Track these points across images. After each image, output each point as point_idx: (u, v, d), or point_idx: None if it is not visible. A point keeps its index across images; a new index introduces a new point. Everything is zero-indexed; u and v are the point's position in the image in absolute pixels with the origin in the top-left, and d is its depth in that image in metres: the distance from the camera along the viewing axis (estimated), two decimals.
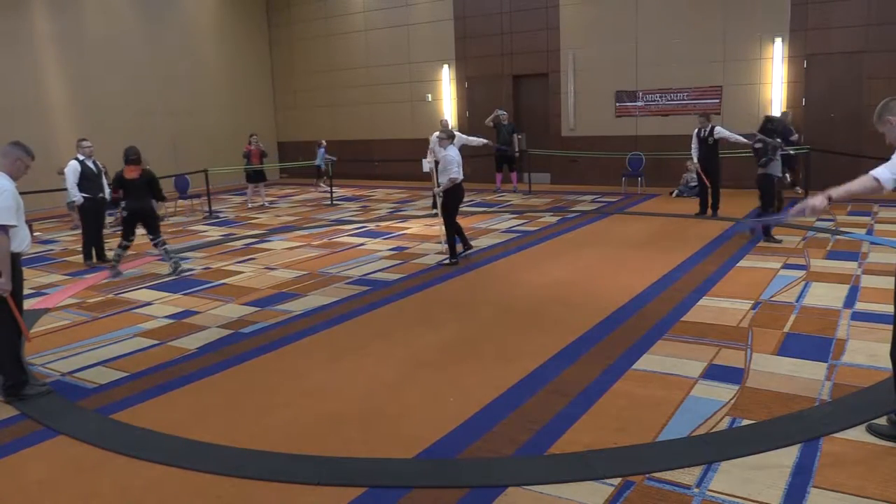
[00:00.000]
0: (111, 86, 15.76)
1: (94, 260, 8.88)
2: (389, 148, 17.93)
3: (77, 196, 8.63)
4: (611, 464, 3.48)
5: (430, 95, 17.35)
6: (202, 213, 13.58)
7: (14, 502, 3.43)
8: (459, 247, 8.38)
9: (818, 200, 3.57)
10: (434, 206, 12.26)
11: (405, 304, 6.66)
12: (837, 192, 3.58)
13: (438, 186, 8.20)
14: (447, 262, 8.21)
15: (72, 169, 8.55)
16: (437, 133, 8.52)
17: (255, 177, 14.62)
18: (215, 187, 15.27)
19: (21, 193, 4.74)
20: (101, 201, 8.84)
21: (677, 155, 13.30)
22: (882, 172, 3.51)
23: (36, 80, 14.51)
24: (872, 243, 8.26)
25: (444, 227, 8.30)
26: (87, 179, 8.57)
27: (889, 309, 5.63)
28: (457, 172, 8.06)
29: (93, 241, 8.83)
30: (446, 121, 12.71)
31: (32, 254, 9.55)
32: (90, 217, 8.74)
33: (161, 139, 16.72)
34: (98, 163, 8.98)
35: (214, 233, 11.33)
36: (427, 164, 8.31)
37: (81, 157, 8.71)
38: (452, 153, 8.19)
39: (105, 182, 9.06)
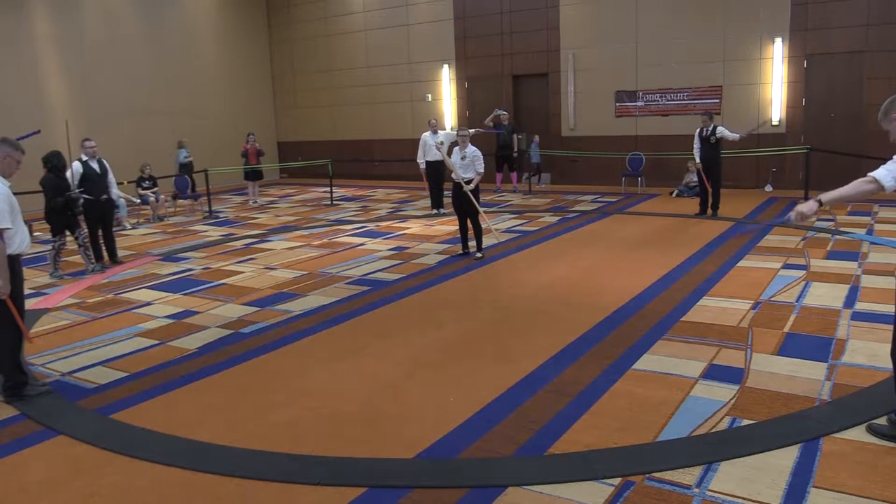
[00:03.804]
0: (111, 86, 15.77)
1: (105, 261, 8.86)
2: (389, 148, 17.94)
3: (80, 199, 8.60)
4: (611, 464, 3.48)
5: (430, 95, 17.35)
6: (202, 213, 13.59)
7: (14, 502, 3.43)
8: (472, 244, 8.57)
9: (807, 206, 3.54)
10: (434, 206, 12.32)
11: (405, 304, 6.66)
12: (828, 196, 3.54)
13: (468, 183, 8.25)
14: (479, 255, 8.44)
15: (73, 170, 8.51)
16: (458, 131, 8.67)
17: (252, 175, 14.87)
18: (215, 187, 15.29)
19: (19, 193, 4.73)
20: (106, 202, 8.81)
21: (677, 155, 13.31)
22: (880, 173, 3.46)
23: (36, 80, 14.51)
24: (872, 243, 8.26)
25: (473, 220, 8.42)
26: (88, 181, 8.54)
27: (889, 309, 5.64)
28: (483, 166, 8.53)
29: (96, 244, 8.78)
30: (435, 120, 12.74)
31: (32, 254, 9.55)
32: (91, 219, 8.71)
33: (161, 139, 16.72)
34: (105, 162, 8.96)
35: (214, 233, 11.33)
36: (445, 157, 8.57)
37: (85, 158, 8.70)
38: (475, 148, 8.51)
39: (113, 182, 9.03)
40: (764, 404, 4.07)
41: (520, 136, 15.46)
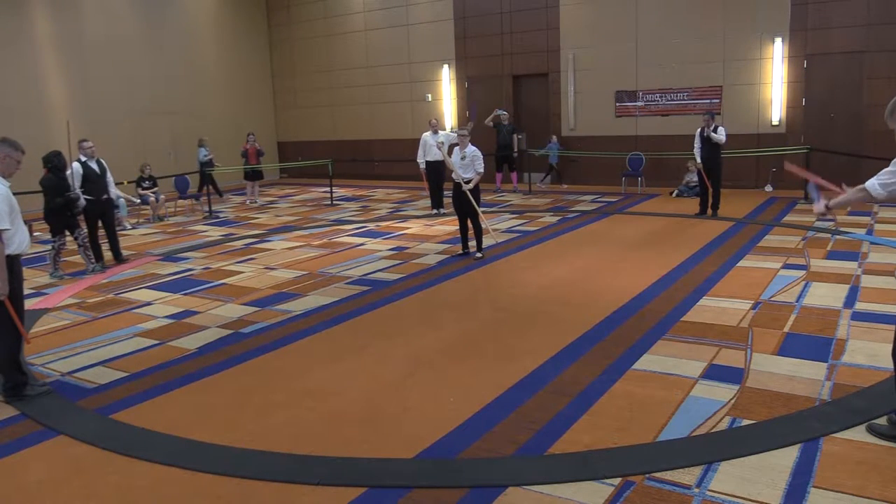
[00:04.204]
0: (111, 86, 15.77)
1: (104, 261, 8.83)
2: (389, 148, 17.94)
3: (81, 199, 8.59)
4: (611, 464, 3.48)
5: (430, 95, 17.35)
6: (202, 213, 13.59)
7: (14, 502, 3.43)
8: (472, 244, 8.56)
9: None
10: (434, 206, 12.32)
11: (405, 304, 6.66)
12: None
13: (468, 183, 8.25)
14: (479, 255, 8.44)
15: (74, 172, 8.48)
16: (457, 131, 8.71)
17: (252, 175, 14.90)
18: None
19: (19, 193, 4.73)
20: (106, 202, 8.82)
21: (677, 155, 13.30)
22: (870, 182, 3.63)
23: (36, 80, 14.50)
24: (872, 243, 8.26)
25: (473, 221, 8.41)
26: (89, 181, 8.53)
27: (889, 309, 5.65)
28: (482, 167, 8.51)
29: (96, 244, 8.77)
30: (435, 120, 12.77)
31: (32, 254, 9.55)
32: (91, 219, 8.71)
33: (161, 139, 16.73)
34: (103, 162, 8.95)
35: (214, 233, 11.33)
36: (445, 157, 8.68)
37: (83, 159, 8.68)
38: (475, 148, 8.50)
39: (111, 181, 9.03)
40: (764, 404, 4.07)
41: (520, 137, 15.46)
